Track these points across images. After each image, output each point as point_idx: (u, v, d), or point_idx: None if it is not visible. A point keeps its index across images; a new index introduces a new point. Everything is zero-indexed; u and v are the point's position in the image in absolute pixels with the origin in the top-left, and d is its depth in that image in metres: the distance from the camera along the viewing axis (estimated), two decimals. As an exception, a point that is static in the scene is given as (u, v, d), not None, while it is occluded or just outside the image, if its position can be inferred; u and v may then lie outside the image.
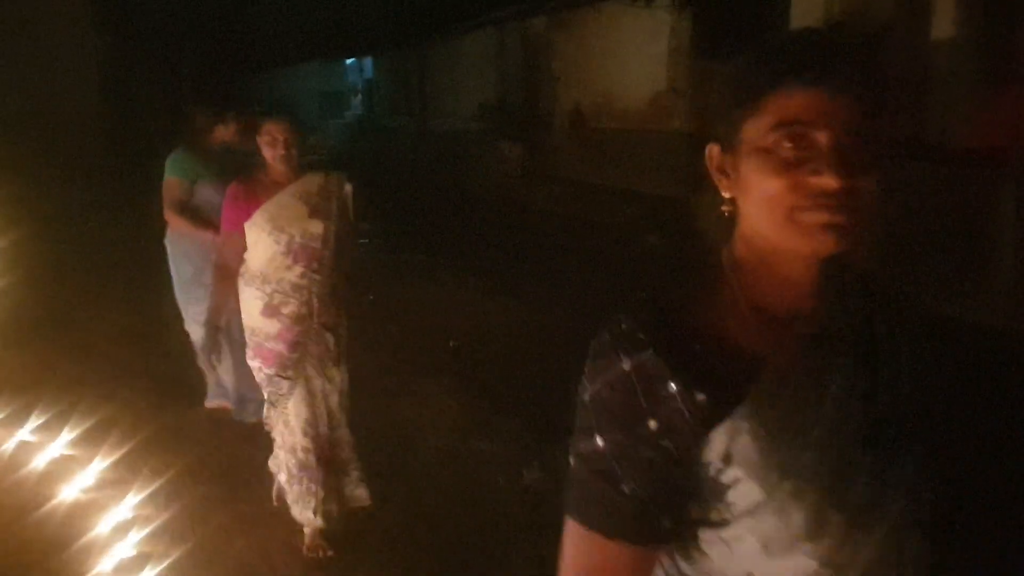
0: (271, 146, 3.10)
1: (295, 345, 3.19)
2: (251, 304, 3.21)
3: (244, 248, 3.20)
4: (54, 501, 3.68)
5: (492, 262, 8.69)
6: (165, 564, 3.19)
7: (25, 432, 4.31)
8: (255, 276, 3.18)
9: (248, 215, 3.13)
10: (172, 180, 4.31)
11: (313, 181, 3.22)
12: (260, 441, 4.30)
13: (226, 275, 3.26)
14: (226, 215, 3.22)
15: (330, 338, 3.26)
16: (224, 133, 4.46)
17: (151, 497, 3.65)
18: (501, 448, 4.23)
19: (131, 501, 3.60)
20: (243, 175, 3.24)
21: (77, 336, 6.13)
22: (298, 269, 3.15)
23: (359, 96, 30.83)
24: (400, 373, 5.31)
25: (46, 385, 4.88)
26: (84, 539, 3.36)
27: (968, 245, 6.27)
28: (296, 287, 3.16)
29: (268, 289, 3.16)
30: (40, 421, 4.38)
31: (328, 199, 3.22)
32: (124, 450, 4.05)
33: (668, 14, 11.21)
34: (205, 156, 4.37)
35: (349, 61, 30.17)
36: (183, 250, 4.44)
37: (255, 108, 3.24)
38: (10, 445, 4.22)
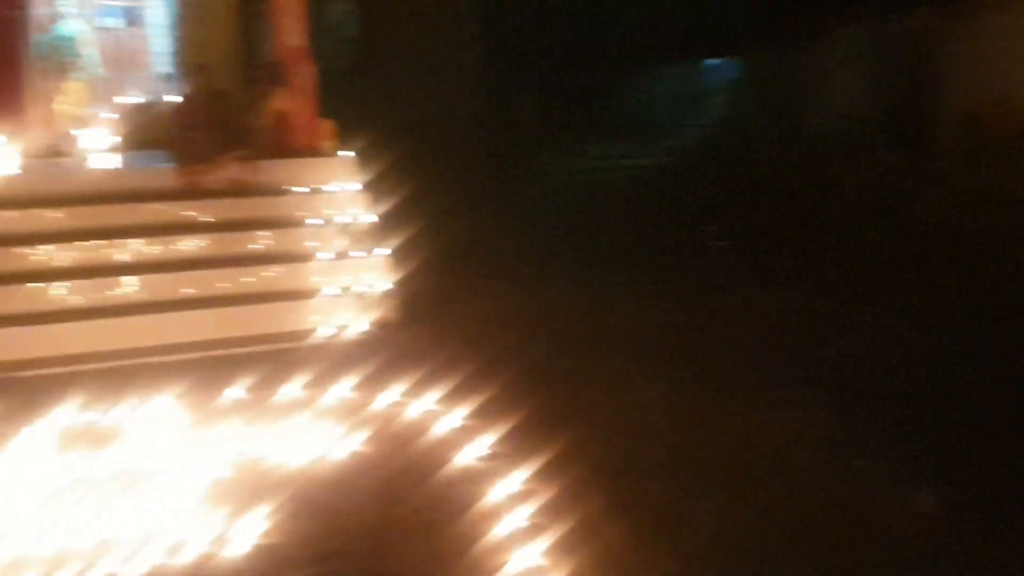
0: None
1: None
2: None
3: None
4: (450, 466, 4.01)
5: (867, 272, 8.09)
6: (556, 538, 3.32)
7: (429, 403, 4.74)
8: None
9: None
10: None
11: None
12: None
13: None
14: None
15: None
16: None
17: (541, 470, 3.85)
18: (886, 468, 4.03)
19: (521, 475, 3.81)
20: None
21: (459, 320, 6.63)
22: None
23: (724, 97, 30.36)
24: (770, 383, 5.20)
25: (440, 358, 5.31)
26: (477, 505, 3.62)
27: None
28: None
29: None
30: (441, 393, 4.80)
31: None
32: (511, 425, 4.32)
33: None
34: None
35: (711, 61, 29.90)
36: None
37: None
38: (415, 412, 4.69)
